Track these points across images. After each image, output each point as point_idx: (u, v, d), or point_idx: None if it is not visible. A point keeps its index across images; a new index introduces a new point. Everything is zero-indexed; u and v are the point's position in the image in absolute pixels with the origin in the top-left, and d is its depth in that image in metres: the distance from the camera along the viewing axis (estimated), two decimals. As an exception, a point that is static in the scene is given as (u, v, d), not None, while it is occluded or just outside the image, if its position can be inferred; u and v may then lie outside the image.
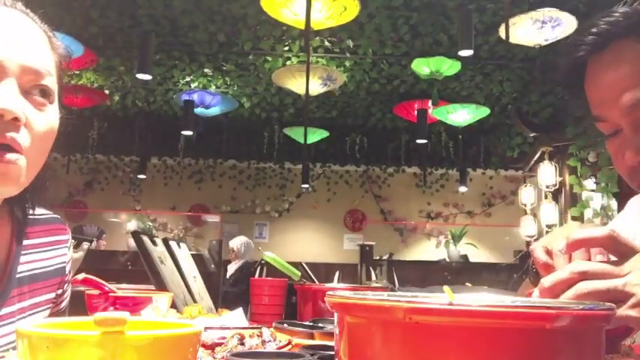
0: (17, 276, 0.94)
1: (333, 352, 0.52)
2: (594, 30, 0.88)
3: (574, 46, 0.91)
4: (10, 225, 0.96)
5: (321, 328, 1.15)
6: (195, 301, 1.83)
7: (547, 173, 5.88)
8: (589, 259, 0.73)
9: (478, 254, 8.26)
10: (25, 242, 0.98)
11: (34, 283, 0.98)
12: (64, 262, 1.06)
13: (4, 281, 0.92)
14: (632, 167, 0.88)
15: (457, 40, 4.73)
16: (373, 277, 5.13)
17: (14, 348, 0.51)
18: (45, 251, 1.02)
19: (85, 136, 7.89)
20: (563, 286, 0.64)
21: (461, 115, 5.83)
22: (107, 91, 6.97)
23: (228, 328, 1.15)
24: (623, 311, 0.61)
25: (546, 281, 0.65)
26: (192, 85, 6.68)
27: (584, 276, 0.64)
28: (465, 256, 7.56)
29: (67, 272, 1.06)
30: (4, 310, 0.91)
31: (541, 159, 6.10)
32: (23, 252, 0.97)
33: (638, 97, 0.83)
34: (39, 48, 0.85)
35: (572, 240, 0.70)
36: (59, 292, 1.05)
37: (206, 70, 6.39)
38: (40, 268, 0.99)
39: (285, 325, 1.17)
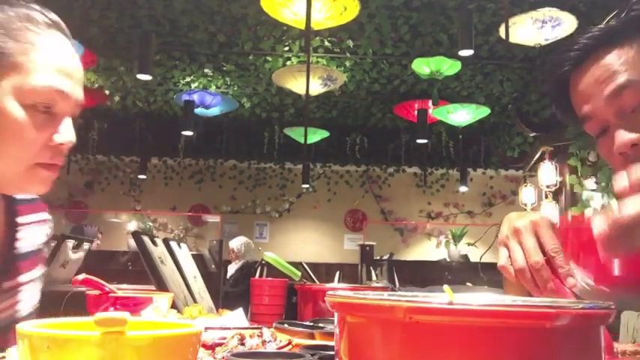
0: (15, 252, 1.00)
1: (333, 352, 0.52)
2: (575, 46, 0.94)
3: (559, 63, 0.97)
4: (3, 203, 1.01)
5: (322, 328, 1.15)
6: (195, 301, 1.83)
7: (547, 173, 5.87)
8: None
9: (478, 254, 8.25)
10: (19, 219, 1.03)
11: (30, 259, 1.03)
12: (47, 238, 1.11)
13: (2, 257, 0.97)
14: (625, 155, 0.88)
15: (457, 40, 4.73)
16: (373, 277, 5.13)
17: (15, 322, 0.52)
18: (34, 227, 1.07)
19: (86, 137, 7.90)
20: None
21: (461, 115, 5.83)
22: (107, 92, 6.97)
23: (229, 328, 1.14)
24: None
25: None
26: (193, 86, 6.68)
27: None
28: (466, 256, 7.56)
29: (44, 250, 1.10)
30: (5, 284, 0.96)
31: (541, 159, 6.09)
32: (17, 229, 1.02)
33: (619, 83, 0.86)
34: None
35: None
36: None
37: (206, 71, 6.39)
38: (30, 245, 1.04)
39: (286, 325, 1.17)
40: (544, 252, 0.80)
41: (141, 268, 1.89)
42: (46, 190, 0.92)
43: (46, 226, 1.11)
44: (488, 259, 8.54)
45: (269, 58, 6.02)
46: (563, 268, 0.77)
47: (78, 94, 0.91)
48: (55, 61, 0.87)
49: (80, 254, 3.90)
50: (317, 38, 5.51)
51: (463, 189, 8.45)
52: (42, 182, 0.90)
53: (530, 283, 0.80)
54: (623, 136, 0.86)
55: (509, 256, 0.83)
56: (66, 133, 0.89)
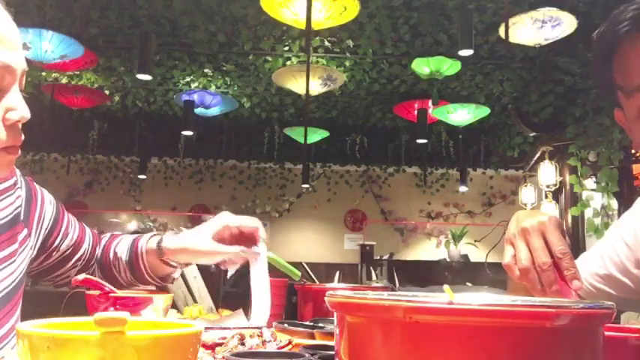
0: None
1: (333, 352, 0.52)
2: (637, 6, 0.87)
3: (618, 22, 0.89)
4: None
5: (322, 328, 1.15)
6: (195, 302, 1.83)
7: (547, 173, 5.87)
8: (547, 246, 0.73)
9: (479, 254, 8.26)
10: None
11: None
12: (18, 208, 1.01)
13: None
14: None
15: (457, 39, 4.73)
16: (373, 277, 5.13)
17: None
18: None
19: (86, 137, 7.90)
20: None
21: (461, 114, 5.83)
22: (107, 92, 6.97)
23: (229, 328, 1.14)
24: None
25: None
26: (193, 86, 6.68)
27: None
28: (466, 256, 7.56)
29: (21, 219, 1.00)
30: None
31: (541, 158, 6.09)
32: None
33: None
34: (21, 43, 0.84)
35: None
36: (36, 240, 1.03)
37: (206, 71, 6.39)
38: None
39: (286, 325, 1.17)
40: (551, 253, 0.79)
41: (141, 268, 1.89)
42: (7, 174, 0.87)
43: (11, 197, 0.99)
44: (491, 258, 8.54)
45: (269, 58, 6.02)
46: (570, 271, 0.76)
47: (20, 61, 0.81)
48: None
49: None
50: (317, 38, 5.51)
51: (463, 189, 8.44)
52: (5, 167, 0.84)
53: (533, 283, 0.79)
54: None
55: (515, 255, 0.82)
56: (20, 109, 0.81)
